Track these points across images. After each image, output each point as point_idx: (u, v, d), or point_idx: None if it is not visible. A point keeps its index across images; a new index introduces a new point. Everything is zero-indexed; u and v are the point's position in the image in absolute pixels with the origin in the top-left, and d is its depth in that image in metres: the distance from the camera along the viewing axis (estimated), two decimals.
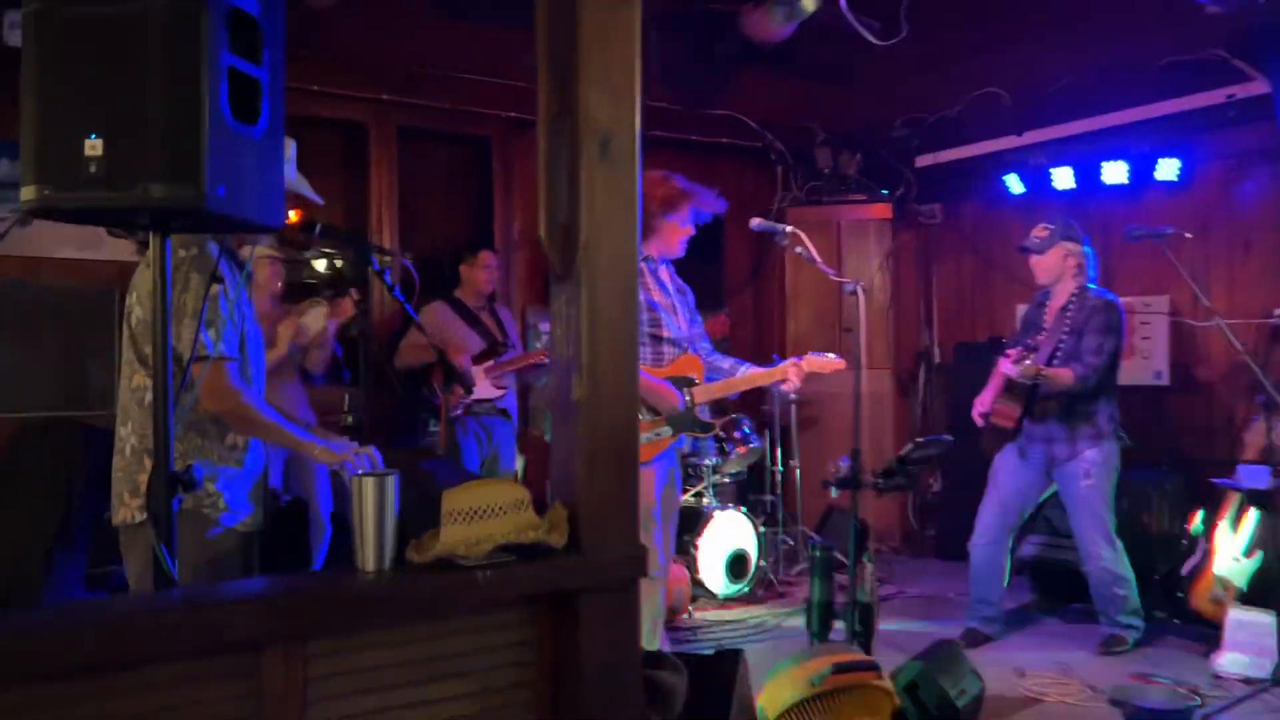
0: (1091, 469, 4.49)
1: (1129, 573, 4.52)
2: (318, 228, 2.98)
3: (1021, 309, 6.67)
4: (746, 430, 5.85)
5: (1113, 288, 6.08)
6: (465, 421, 5.30)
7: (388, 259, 3.39)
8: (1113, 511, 4.56)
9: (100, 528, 2.69)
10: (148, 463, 2.60)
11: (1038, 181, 6.09)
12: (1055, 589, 5.32)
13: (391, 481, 2.05)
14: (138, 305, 2.64)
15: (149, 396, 2.61)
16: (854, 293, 3.35)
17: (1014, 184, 6.13)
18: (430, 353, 5.22)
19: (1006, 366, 4.37)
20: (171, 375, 2.16)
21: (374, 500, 2.03)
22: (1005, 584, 4.85)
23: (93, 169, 1.92)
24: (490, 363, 5.36)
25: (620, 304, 2.25)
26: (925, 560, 6.69)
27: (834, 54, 6.09)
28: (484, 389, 5.33)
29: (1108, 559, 4.50)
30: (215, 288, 2.54)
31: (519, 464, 5.84)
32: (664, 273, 3.93)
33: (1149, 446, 5.33)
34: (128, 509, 2.63)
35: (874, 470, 3.41)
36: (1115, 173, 5.70)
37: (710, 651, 2.81)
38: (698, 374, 3.77)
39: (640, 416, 3.65)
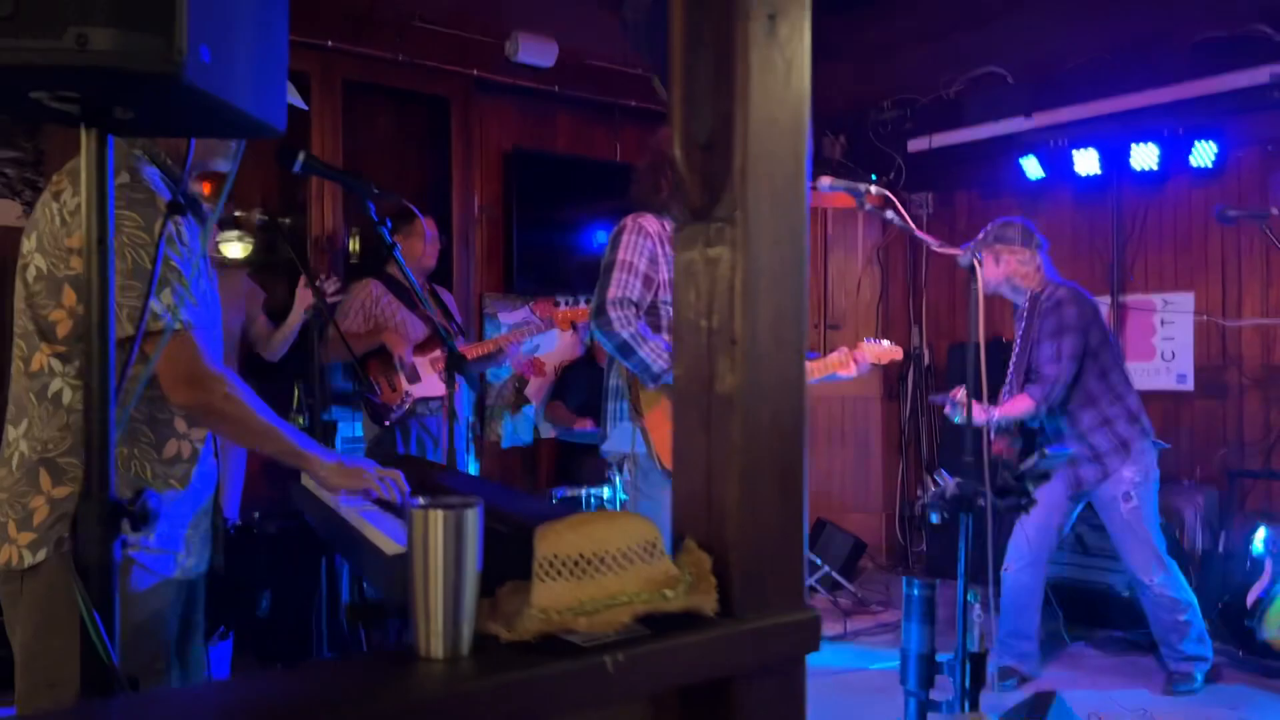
0: (1131, 489, 3.94)
1: (1189, 596, 3.98)
2: (300, 159, 2.21)
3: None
4: None
5: (1131, 283, 5.63)
6: (407, 424, 4.52)
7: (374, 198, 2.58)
8: (1160, 531, 4.02)
9: None
10: (46, 480, 1.83)
11: (1054, 167, 5.57)
12: (1086, 614, 4.78)
13: (474, 518, 1.32)
14: (38, 254, 1.84)
15: (55, 385, 1.84)
16: (970, 266, 2.71)
17: (1032, 168, 5.60)
18: (367, 342, 4.45)
19: (948, 412, 3.84)
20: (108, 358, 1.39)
21: (448, 548, 1.29)
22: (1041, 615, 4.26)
23: None
24: (437, 352, 4.56)
25: (787, 255, 1.56)
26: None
27: (815, 26, 5.51)
28: (430, 385, 4.55)
29: (1161, 584, 3.96)
30: (166, 227, 1.76)
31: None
32: None
33: (1171, 457, 4.84)
34: (13, 547, 1.82)
35: (979, 488, 2.76)
36: (1144, 157, 5.19)
37: None
38: None
39: None
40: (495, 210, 5.60)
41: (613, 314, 2.85)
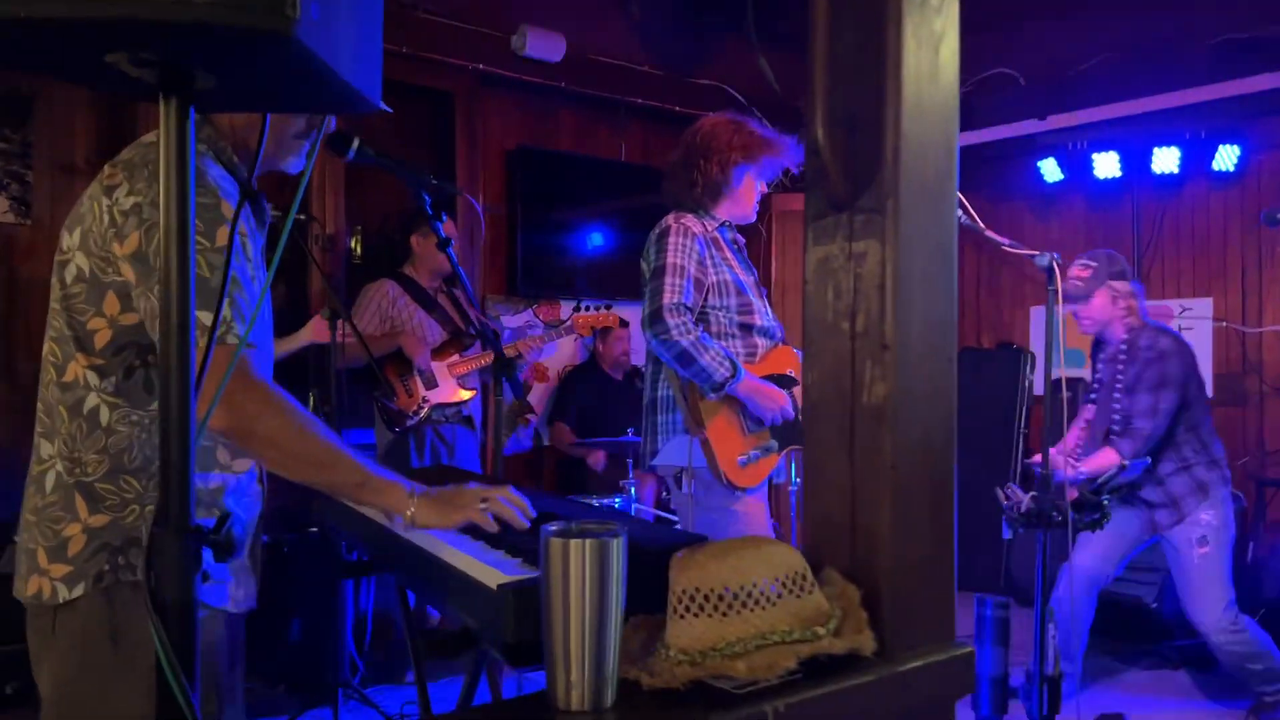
0: (1208, 533, 3.69)
1: (1263, 645, 3.72)
2: (355, 145, 2.02)
3: (1035, 311, 6.10)
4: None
5: (1150, 289, 5.54)
6: (422, 431, 4.33)
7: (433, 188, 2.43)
8: (1232, 583, 3.75)
9: None
10: (83, 507, 1.63)
11: (1071, 170, 5.47)
12: (1114, 628, 4.65)
13: (619, 548, 1.15)
14: (80, 253, 1.63)
15: (91, 401, 1.65)
16: (1049, 268, 2.56)
17: (1050, 170, 5.49)
18: (383, 345, 4.25)
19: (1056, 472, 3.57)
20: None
21: (592, 583, 1.12)
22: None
23: None
24: (455, 358, 4.39)
25: (939, 251, 1.40)
26: None
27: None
28: (448, 391, 4.37)
29: (1227, 642, 3.69)
30: (224, 232, 1.56)
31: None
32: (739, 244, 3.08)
33: None
34: (44, 578, 1.61)
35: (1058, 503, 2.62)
36: (1165, 160, 5.10)
37: None
38: (795, 371, 2.94)
39: (744, 428, 2.81)
40: (498, 210, 5.42)
41: (670, 321, 2.65)
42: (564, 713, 1.13)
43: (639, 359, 5.59)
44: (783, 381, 2.87)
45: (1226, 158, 4.99)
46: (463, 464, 4.47)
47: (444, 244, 2.34)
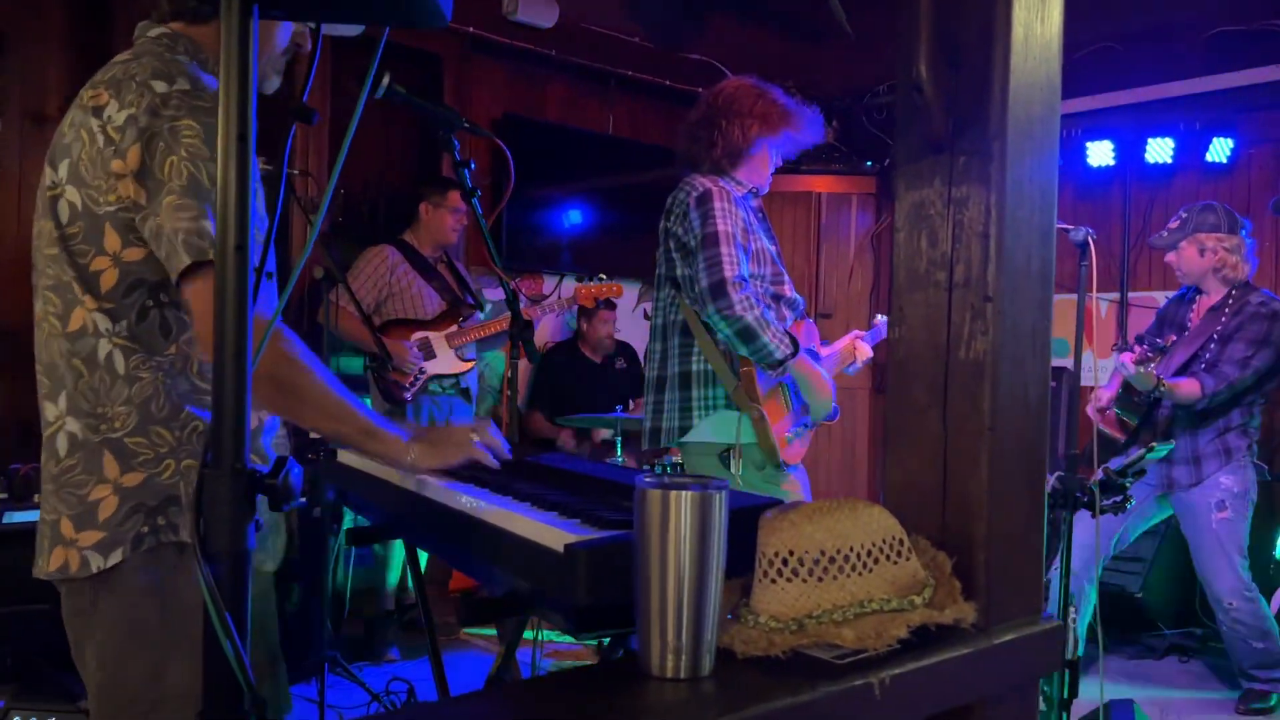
0: (1228, 499, 3.68)
1: (1269, 624, 3.73)
2: (386, 83, 1.90)
3: None
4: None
5: (1136, 279, 5.54)
6: (419, 402, 4.25)
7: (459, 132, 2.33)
8: (1247, 553, 3.74)
9: None
10: (113, 466, 1.49)
11: (1063, 158, 5.43)
12: (1108, 620, 4.61)
13: (722, 503, 1.05)
14: (70, 186, 1.47)
15: (103, 348, 1.51)
16: (1084, 242, 2.47)
17: None
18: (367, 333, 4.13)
19: (1126, 362, 3.52)
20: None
21: (694, 540, 1.02)
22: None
23: None
24: (453, 328, 4.31)
25: (1042, 198, 1.31)
26: None
27: (806, 5, 5.30)
28: (446, 361, 4.28)
29: (1240, 612, 3.69)
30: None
31: None
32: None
33: None
34: (71, 549, 1.46)
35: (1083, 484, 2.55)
36: (1159, 151, 5.08)
37: None
38: (818, 347, 2.85)
39: (787, 404, 2.72)
40: (483, 180, 5.28)
41: (735, 295, 2.51)
42: (659, 680, 1.03)
43: (629, 338, 5.49)
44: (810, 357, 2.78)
45: (1220, 150, 4.99)
46: (506, 431, 4.38)
47: (470, 194, 2.22)
